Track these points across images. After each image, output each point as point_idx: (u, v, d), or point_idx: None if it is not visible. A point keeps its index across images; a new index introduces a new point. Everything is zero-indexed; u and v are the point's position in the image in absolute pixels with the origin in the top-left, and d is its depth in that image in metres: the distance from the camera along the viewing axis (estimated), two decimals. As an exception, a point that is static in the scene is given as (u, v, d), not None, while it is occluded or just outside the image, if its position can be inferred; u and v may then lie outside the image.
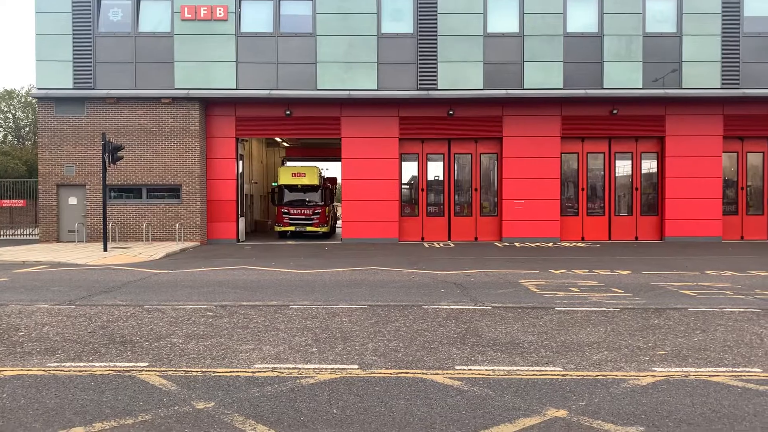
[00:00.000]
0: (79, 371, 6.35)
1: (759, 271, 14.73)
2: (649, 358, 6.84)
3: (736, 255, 18.90)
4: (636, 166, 24.74)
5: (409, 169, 24.90)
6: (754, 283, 12.72)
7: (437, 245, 22.68)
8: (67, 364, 6.62)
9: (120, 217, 23.11)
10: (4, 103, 61.10)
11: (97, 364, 6.61)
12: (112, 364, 6.63)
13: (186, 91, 22.84)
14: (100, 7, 23.11)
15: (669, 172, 24.04)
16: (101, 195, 21.89)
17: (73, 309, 9.81)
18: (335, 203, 32.39)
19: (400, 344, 7.46)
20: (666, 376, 6.19)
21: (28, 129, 61.44)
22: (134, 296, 11.13)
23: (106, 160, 19.71)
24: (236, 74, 23.08)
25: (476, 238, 24.50)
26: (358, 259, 17.72)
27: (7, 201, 27.97)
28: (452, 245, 22.66)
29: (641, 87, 23.16)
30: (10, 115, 62.06)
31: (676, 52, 23.25)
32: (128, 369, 6.42)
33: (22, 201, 28.03)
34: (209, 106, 23.89)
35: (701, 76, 23.17)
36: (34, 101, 43.42)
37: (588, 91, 23.07)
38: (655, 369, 6.43)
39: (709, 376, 6.20)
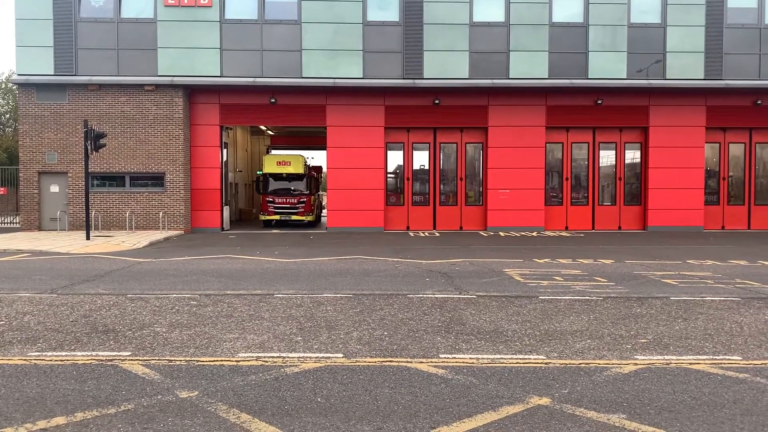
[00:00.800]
0: (61, 360, 6.29)
1: (739, 260, 14.92)
2: (631, 347, 6.90)
3: (717, 245, 19.12)
4: (620, 156, 24.90)
5: (395, 158, 24.87)
6: (735, 272, 12.88)
7: (422, 234, 22.72)
8: (49, 353, 6.56)
9: (103, 206, 22.88)
10: (-17, 90, 60.03)
11: (79, 354, 6.55)
12: (94, 353, 6.58)
13: (170, 78, 22.59)
14: (82, -8, 22.75)
15: (652, 162, 24.22)
16: (83, 183, 21.63)
17: (55, 298, 9.71)
18: (321, 192, 32.29)
19: (385, 333, 7.47)
20: (648, 364, 6.26)
21: (8, 116, 60.49)
22: (117, 285, 11.04)
23: (89, 147, 19.47)
24: (221, 61, 22.86)
25: (461, 228, 24.57)
26: (344, 248, 17.70)
27: (-13, 189, 27.59)
28: (437, 234, 22.71)
29: (625, 77, 23.27)
30: (-10, 102, 61.02)
31: (661, 42, 23.37)
32: (111, 358, 6.38)
33: (2, 189, 27.65)
34: (193, 93, 23.66)
35: (685, 66, 23.32)
36: (14, 87, 42.72)
37: (573, 81, 23.14)
38: (637, 357, 6.50)
39: (690, 363, 6.27)
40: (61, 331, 7.55)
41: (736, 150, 25.22)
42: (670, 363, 6.29)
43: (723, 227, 24.93)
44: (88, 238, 19.41)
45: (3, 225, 26.63)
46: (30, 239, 19.61)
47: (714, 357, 6.51)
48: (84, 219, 20.71)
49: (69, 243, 18.37)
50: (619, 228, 24.73)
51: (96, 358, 6.40)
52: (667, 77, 23.31)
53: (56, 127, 22.80)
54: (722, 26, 23.35)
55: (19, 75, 22.74)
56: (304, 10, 22.93)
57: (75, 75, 22.64)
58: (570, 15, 23.36)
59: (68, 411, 4.93)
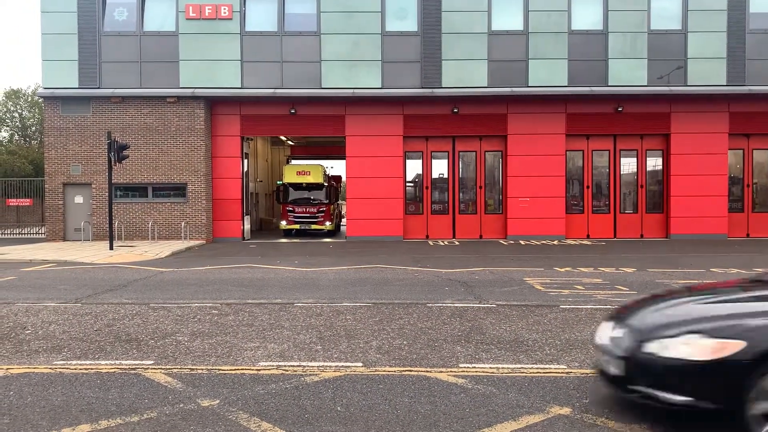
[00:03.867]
0: (86, 369, 6.39)
1: (765, 268, 14.67)
2: (654, 356, 6.82)
3: (741, 252, 18.84)
4: (641, 164, 24.67)
5: (414, 167, 24.90)
6: (760, 280, 12.66)
7: (442, 243, 22.68)
8: (74, 362, 6.67)
9: (126, 216, 23.19)
10: (10, 103, 61.34)
11: (103, 362, 6.65)
12: (117, 362, 6.67)
13: (191, 90, 22.89)
14: (106, 7, 23.18)
15: (674, 169, 23.96)
16: (107, 194, 21.96)
17: (80, 307, 9.86)
18: (340, 201, 32.41)
19: (404, 342, 7.47)
20: (670, 373, 6.18)
21: (34, 128, 61.66)
22: (140, 294, 11.18)
23: (112, 158, 19.78)
24: (241, 73, 23.12)
25: (481, 236, 24.48)
26: (363, 257, 17.74)
27: (14, 200, 28.09)
28: (457, 243, 22.66)
29: (646, 84, 23.09)
30: (17, 115, 62.31)
31: (682, 48, 23.17)
32: (134, 367, 6.46)
33: (28, 200, 28.15)
34: (214, 104, 23.94)
35: (707, 72, 23.08)
36: (40, 100, 43.61)
37: (593, 88, 23.01)
38: (659, 367, 6.42)
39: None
40: (85, 340, 7.67)
41: (761, 156, 24.86)
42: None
43: (748, 235, 24.54)
44: (111, 248, 19.68)
45: (29, 236, 27.10)
46: (55, 249, 19.93)
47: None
48: (107, 229, 21.01)
49: (93, 253, 18.63)
50: (642, 236, 24.47)
51: (119, 366, 6.49)
52: (689, 83, 23.08)
53: (80, 139, 23.19)
54: (744, 31, 23.09)
55: (45, 88, 23.21)
56: (324, 22, 23.12)
57: (99, 88, 23.04)
58: (589, 22, 23.26)
59: (92, 419, 5.01)
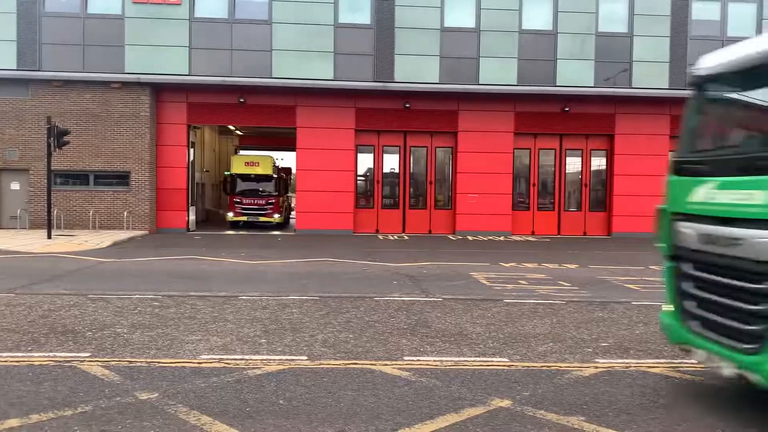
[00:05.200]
0: (17, 362, 6.14)
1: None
2: (593, 350, 7.01)
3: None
4: (586, 163, 25.28)
5: (365, 161, 24.85)
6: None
7: (392, 237, 22.75)
8: (4, 354, 6.40)
9: (66, 204, 22.38)
10: (-58, 83, 58.26)
11: (36, 354, 6.40)
12: (52, 354, 6.43)
13: (136, 76, 22.21)
14: (47, -14, 22.27)
15: (617, 169, 24.64)
16: (46, 181, 21.14)
17: (13, 297, 9.47)
18: (290, 194, 32.11)
19: (350, 335, 7.45)
20: (608, 367, 6.36)
21: (-32, 110, 58.74)
22: (78, 285, 10.82)
23: (52, 144, 19.05)
24: (189, 60, 22.57)
25: (430, 231, 24.65)
26: (312, 250, 17.63)
27: (-55, 185, 26.76)
28: (407, 238, 22.76)
29: (593, 85, 23.64)
30: (-50, 96, 59.25)
31: (627, 51, 23.81)
32: (69, 359, 6.24)
33: (-40, 185, 26.83)
34: (160, 91, 23.31)
35: (650, 76, 23.78)
36: (-25, 82, 41.48)
37: (542, 88, 23.41)
38: (598, 360, 6.60)
39: (649, 367, 6.40)
40: (17, 331, 7.36)
41: (698, 159, 25.77)
42: (630, 366, 6.41)
43: (685, 234, 25.42)
44: (49, 237, 18.97)
45: (-39, 222, 25.86)
46: (-12, 237, 19.10)
47: (672, 360, 6.64)
48: (45, 218, 20.24)
49: (29, 242, 17.94)
50: (585, 234, 25.10)
51: (53, 359, 6.26)
52: (633, 86, 23.76)
53: (18, 124, 22.25)
54: (687, 38, 23.89)
55: (-21, 69, 22.15)
56: (275, 10, 22.78)
57: (38, 71, 22.13)
58: (540, 23, 23.63)
59: (23, 413, 4.81)
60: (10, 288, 10.32)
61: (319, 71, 22.84)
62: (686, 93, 22.56)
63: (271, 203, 25.91)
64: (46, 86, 22.23)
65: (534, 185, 25.09)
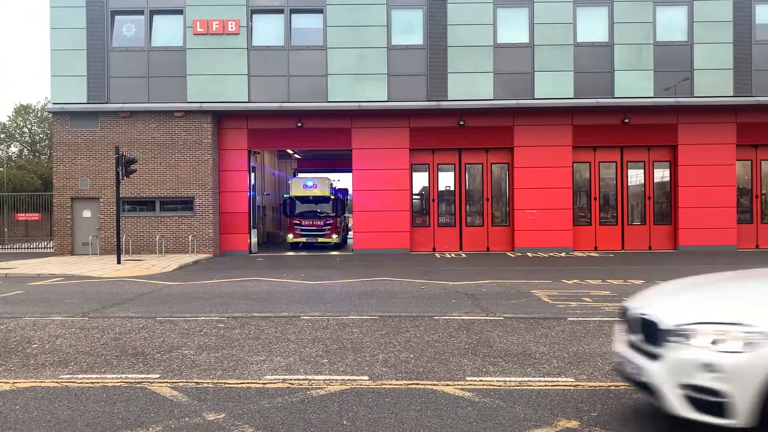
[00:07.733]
0: (92, 383, 6.38)
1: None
2: (663, 369, 6.75)
3: (750, 264, 18.68)
4: (648, 175, 24.60)
5: (420, 180, 24.92)
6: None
7: (449, 255, 22.63)
8: (80, 375, 6.66)
9: (133, 230, 23.28)
10: (20, 118, 61.92)
11: (109, 376, 6.64)
12: (123, 375, 6.66)
13: (198, 105, 23.05)
14: (114, 23, 23.44)
15: (682, 180, 23.87)
16: (115, 208, 22.07)
17: (86, 321, 9.87)
18: (347, 214, 32.43)
19: (411, 355, 7.43)
20: (679, 386, 6.10)
21: (43, 143, 62.17)
22: (147, 308, 11.18)
23: (120, 173, 19.90)
24: (248, 87, 23.27)
25: (488, 248, 24.41)
26: (369, 269, 17.71)
27: (23, 214, 28.27)
28: (464, 255, 22.59)
29: (653, 96, 23.08)
30: (27, 130, 62.88)
31: (688, 60, 23.17)
32: (140, 380, 6.45)
33: (37, 214, 28.32)
34: (221, 119, 24.08)
35: (713, 84, 23.06)
36: (49, 116, 43.98)
37: (599, 100, 23.02)
38: (669, 379, 6.35)
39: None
40: (91, 353, 7.66)
41: (769, 167, 24.75)
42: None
43: (757, 246, 24.38)
44: (119, 262, 19.74)
45: (37, 250, 27.22)
46: (63, 263, 20.01)
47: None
48: (115, 243, 21.09)
49: (100, 267, 18.69)
50: (650, 248, 24.34)
51: (125, 380, 6.48)
52: (695, 95, 23.06)
53: (89, 154, 23.36)
54: (751, 42, 23.08)
55: (54, 104, 23.43)
56: (330, 36, 23.26)
57: (107, 103, 23.24)
58: (595, 35, 23.30)
59: (98, 433, 4.99)
60: (84, 312, 10.77)
61: (373, 93, 23.13)
62: (752, 99, 21.84)
63: (329, 224, 26.25)
64: (113, 117, 23.29)
65: (595, 199, 24.55)
